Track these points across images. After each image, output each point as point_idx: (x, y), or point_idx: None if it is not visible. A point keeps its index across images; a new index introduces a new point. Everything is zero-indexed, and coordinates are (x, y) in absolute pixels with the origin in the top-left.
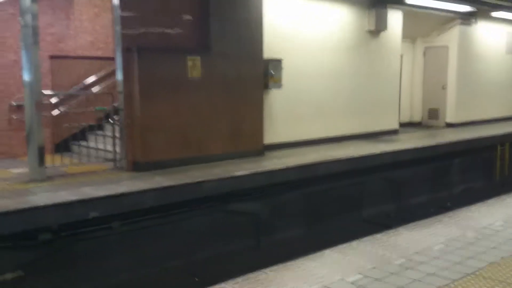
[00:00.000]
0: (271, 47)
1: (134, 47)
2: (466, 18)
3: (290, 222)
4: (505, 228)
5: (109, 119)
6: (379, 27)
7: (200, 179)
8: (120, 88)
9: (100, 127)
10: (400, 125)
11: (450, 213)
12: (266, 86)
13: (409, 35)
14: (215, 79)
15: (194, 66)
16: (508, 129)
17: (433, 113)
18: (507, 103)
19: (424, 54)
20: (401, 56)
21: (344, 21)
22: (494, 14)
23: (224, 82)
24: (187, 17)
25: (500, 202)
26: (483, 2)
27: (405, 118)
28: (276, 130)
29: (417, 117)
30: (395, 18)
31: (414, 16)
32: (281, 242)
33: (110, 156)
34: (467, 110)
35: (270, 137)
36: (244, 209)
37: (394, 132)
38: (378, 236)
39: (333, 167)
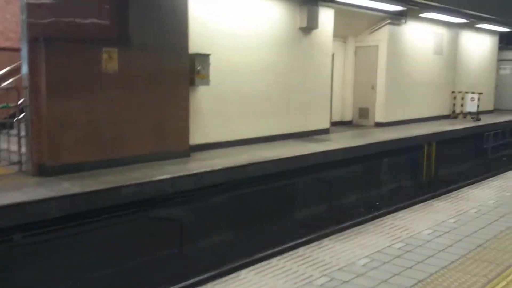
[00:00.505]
0: (198, 42)
1: (41, 37)
2: (396, 18)
3: (217, 228)
4: (433, 237)
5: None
6: (311, 24)
7: (113, 185)
8: (25, 82)
9: (10, 125)
10: (331, 124)
11: (378, 220)
12: (192, 83)
13: (340, 34)
14: (134, 74)
15: (110, 59)
16: (435, 128)
17: (363, 113)
18: (435, 103)
19: (355, 53)
20: (333, 55)
21: (275, 17)
22: (423, 14)
23: (145, 77)
24: (103, 4)
25: (428, 208)
26: (413, 2)
27: (337, 117)
28: (204, 130)
29: (348, 116)
30: (326, 16)
31: (346, 14)
32: (207, 249)
33: (16, 158)
34: (396, 110)
35: (197, 137)
36: (167, 215)
37: (325, 131)
38: (301, 250)
39: (264, 169)
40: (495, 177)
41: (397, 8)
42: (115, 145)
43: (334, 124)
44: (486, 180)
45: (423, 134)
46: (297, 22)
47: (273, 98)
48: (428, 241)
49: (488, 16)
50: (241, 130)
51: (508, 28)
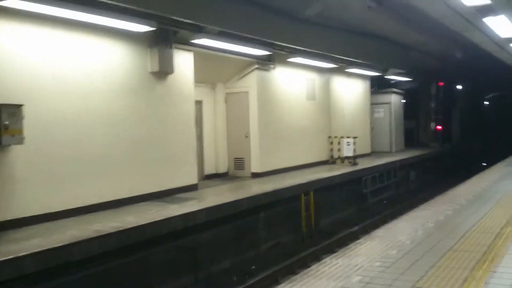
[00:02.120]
0: (7, 89)
1: None
2: (264, 63)
3: None
4: None
5: None
6: (165, 68)
7: None
8: None
9: None
10: (205, 178)
11: None
12: None
13: (207, 79)
14: None
15: None
16: (311, 176)
17: (239, 163)
18: (312, 149)
19: (226, 100)
20: (201, 102)
21: (119, 61)
22: (291, 59)
23: None
24: None
25: (312, 278)
26: (278, 46)
27: (211, 169)
28: (20, 200)
29: (223, 168)
30: (184, 60)
31: (211, 59)
32: None
33: None
34: (272, 159)
35: (12, 210)
36: None
37: (193, 187)
38: None
39: (97, 246)
40: (382, 228)
41: (263, 52)
42: None
43: (209, 177)
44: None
45: (298, 183)
46: (148, 66)
47: (123, 152)
48: None
49: (357, 60)
50: (79, 196)
51: (377, 72)
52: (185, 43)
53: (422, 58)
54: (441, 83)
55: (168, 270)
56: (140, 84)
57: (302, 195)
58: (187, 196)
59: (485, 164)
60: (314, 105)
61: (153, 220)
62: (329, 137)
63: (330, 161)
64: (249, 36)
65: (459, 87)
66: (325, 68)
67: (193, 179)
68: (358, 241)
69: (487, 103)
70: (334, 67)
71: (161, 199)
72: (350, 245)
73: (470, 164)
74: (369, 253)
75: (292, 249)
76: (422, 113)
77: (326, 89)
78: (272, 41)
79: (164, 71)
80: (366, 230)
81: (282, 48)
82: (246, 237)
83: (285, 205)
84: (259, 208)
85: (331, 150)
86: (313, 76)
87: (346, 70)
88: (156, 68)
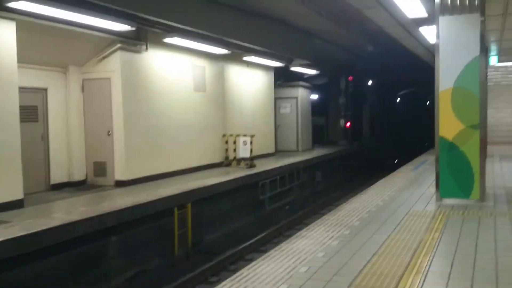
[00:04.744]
0: None
1: None
2: (131, 43)
3: None
4: None
5: None
6: None
7: None
8: None
9: None
10: (52, 188)
11: None
12: None
13: (54, 60)
14: None
15: None
16: (193, 184)
17: (100, 168)
18: (202, 149)
19: (83, 88)
20: (45, 91)
21: None
22: (168, 40)
23: None
24: None
25: None
26: (147, 21)
27: (61, 177)
28: None
29: (79, 174)
30: (2, 33)
31: (55, 33)
32: None
33: None
34: (143, 162)
35: None
36: None
37: (14, 205)
38: None
39: None
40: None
41: (124, 27)
42: None
43: (58, 187)
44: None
45: (170, 194)
46: None
47: None
48: None
49: (256, 47)
50: None
51: (281, 62)
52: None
53: (330, 49)
54: (351, 78)
55: None
56: None
57: (176, 208)
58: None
59: (395, 161)
60: (204, 97)
61: None
62: (224, 135)
63: (225, 163)
64: (95, 1)
65: (370, 82)
66: (217, 54)
67: (15, 193)
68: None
69: (398, 100)
70: (228, 54)
71: None
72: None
73: (379, 163)
74: None
75: (160, 277)
76: (332, 109)
77: (220, 80)
78: (134, 13)
79: None
80: (265, 242)
81: (152, 24)
82: (89, 270)
83: (151, 223)
84: (108, 231)
85: (226, 150)
86: (203, 63)
87: (244, 58)
88: None
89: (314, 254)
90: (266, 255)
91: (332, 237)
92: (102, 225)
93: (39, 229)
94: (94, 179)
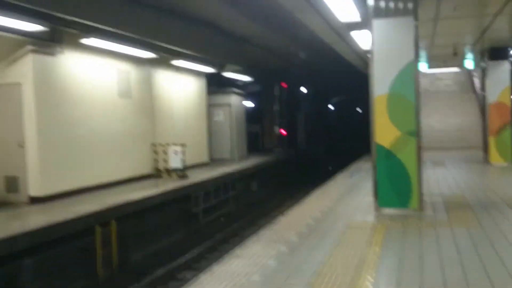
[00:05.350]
0: None
1: None
2: (44, 44)
3: None
4: None
5: None
6: None
7: None
8: None
9: None
10: None
11: None
12: None
13: None
14: None
15: None
16: (117, 198)
17: (12, 183)
18: (129, 160)
19: None
20: None
21: None
22: (85, 41)
23: None
24: None
25: None
26: (58, 18)
27: None
28: None
29: None
30: None
31: None
32: None
33: None
34: (62, 176)
35: None
36: None
37: None
38: None
39: None
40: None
41: (36, 27)
42: None
43: None
44: None
45: (90, 211)
46: None
47: None
48: None
49: (184, 51)
50: None
51: (213, 68)
52: None
53: (262, 54)
54: (285, 85)
55: None
56: None
57: (97, 226)
58: None
59: (330, 168)
60: (130, 104)
61: None
62: (153, 144)
63: (155, 175)
64: None
65: (303, 89)
66: (143, 58)
67: None
68: None
69: (331, 107)
70: (155, 58)
71: None
72: None
73: (315, 169)
74: None
75: None
76: (267, 116)
77: (148, 85)
78: (46, 11)
79: None
80: (198, 258)
81: (68, 23)
82: None
83: (70, 243)
84: (22, 253)
85: (156, 160)
86: (128, 68)
87: (172, 62)
88: None
89: (249, 276)
90: (195, 280)
91: (269, 255)
92: (13, 248)
93: None
94: (6, 195)
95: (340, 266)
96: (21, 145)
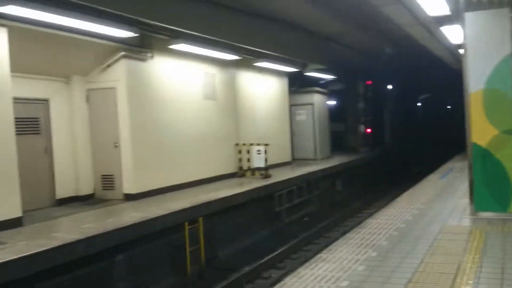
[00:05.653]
0: None
1: None
2: (135, 50)
3: None
4: None
5: None
6: None
7: None
8: None
9: None
10: (58, 203)
11: None
12: None
13: (55, 70)
14: None
15: None
16: (204, 197)
17: (108, 182)
18: (215, 160)
19: (88, 98)
20: (48, 102)
21: None
22: (174, 46)
23: None
24: None
25: None
26: (148, 25)
27: (68, 191)
28: None
29: (87, 188)
30: None
31: (53, 40)
32: None
33: None
34: (152, 175)
35: None
36: None
37: (12, 223)
38: None
39: None
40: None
41: (127, 34)
42: None
43: (64, 201)
44: None
45: (180, 209)
46: None
47: None
48: None
49: (267, 52)
50: None
51: (295, 67)
52: None
53: (346, 52)
54: (370, 82)
55: None
56: None
57: (186, 223)
58: None
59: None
60: (215, 106)
61: None
62: (237, 144)
63: (239, 174)
64: (93, 5)
65: (389, 86)
66: (227, 61)
67: (13, 211)
68: None
69: (420, 104)
70: (238, 60)
71: None
72: None
73: (402, 170)
74: None
75: None
76: (351, 115)
77: (231, 87)
78: (138, 18)
79: None
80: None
81: (157, 30)
82: None
83: (160, 239)
84: (114, 250)
85: (240, 160)
86: (213, 71)
87: (255, 64)
88: None
89: (337, 282)
90: (281, 284)
91: (358, 260)
92: (105, 244)
93: (39, 249)
94: (102, 193)
95: (435, 275)
96: (117, 145)
